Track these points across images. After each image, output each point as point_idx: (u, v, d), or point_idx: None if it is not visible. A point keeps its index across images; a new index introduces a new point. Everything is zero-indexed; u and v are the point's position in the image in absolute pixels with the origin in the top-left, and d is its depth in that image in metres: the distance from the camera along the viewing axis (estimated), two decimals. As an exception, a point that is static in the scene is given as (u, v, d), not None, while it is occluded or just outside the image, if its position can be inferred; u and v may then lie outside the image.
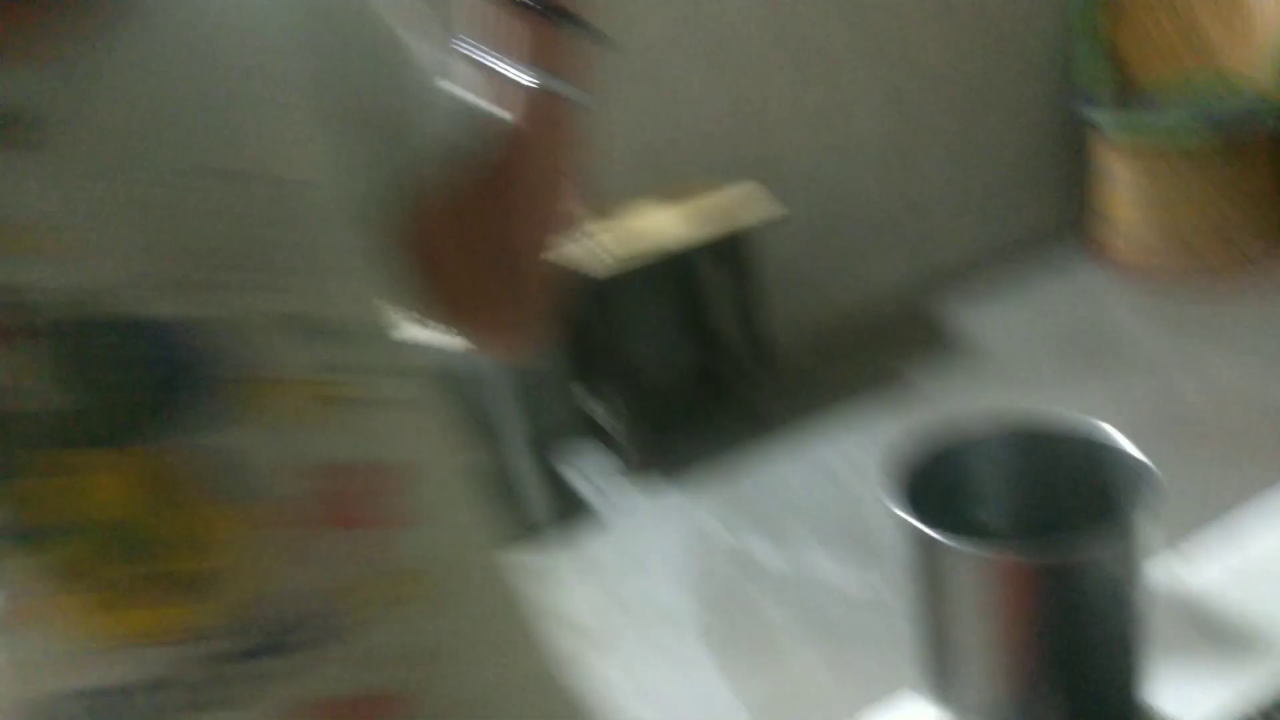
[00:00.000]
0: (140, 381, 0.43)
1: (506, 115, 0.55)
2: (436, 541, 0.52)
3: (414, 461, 0.51)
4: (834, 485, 2.11)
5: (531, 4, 0.53)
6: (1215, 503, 1.19)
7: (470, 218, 0.56)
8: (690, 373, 2.49)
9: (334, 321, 0.48)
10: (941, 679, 0.72)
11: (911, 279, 2.75)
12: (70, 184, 0.43)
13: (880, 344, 2.59)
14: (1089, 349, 2.43)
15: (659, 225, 2.14)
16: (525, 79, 0.54)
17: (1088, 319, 2.57)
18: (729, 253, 2.19)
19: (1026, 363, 2.38)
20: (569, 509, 2.17)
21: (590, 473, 2.28)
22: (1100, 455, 0.71)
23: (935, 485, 0.70)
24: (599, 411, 2.21)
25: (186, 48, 0.46)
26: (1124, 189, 2.64)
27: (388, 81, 0.53)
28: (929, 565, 0.68)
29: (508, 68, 0.55)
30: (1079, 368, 2.33)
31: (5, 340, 0.41)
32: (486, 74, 0.55)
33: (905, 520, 0.67)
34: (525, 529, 2.05)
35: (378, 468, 0.49)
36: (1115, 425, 0.71)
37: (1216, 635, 0.78)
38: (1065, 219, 2.84)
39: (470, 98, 0.56)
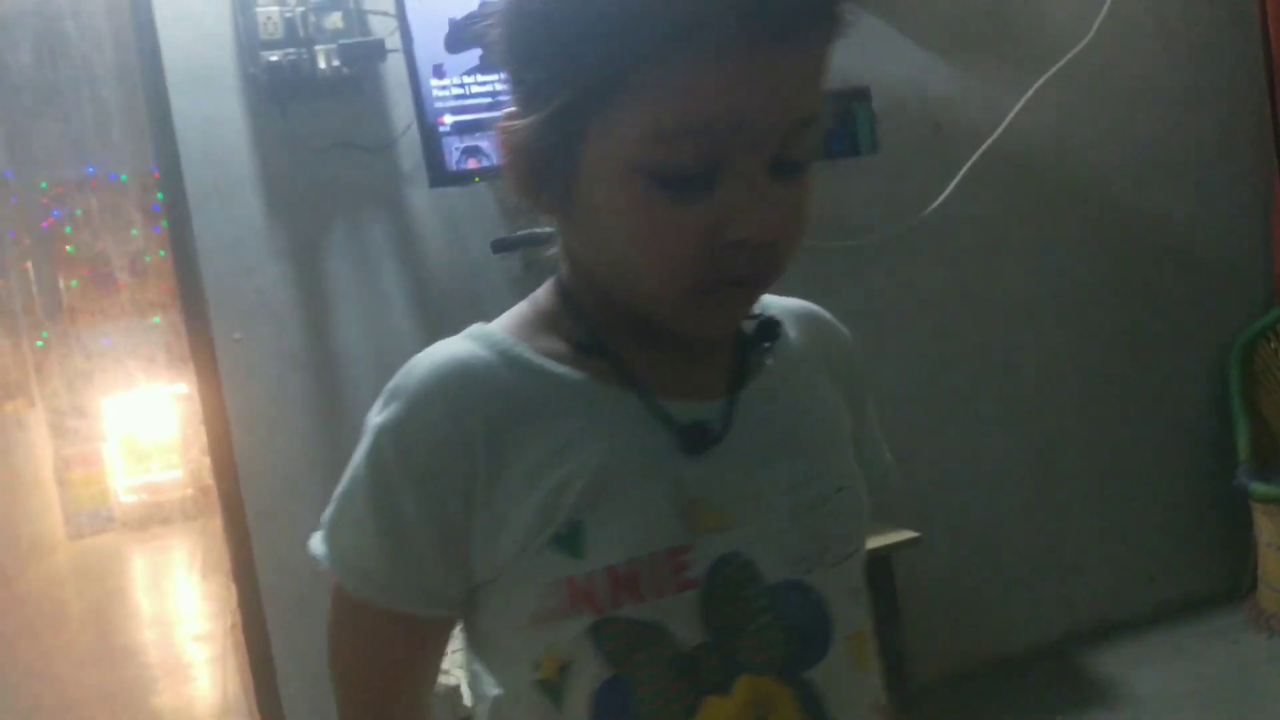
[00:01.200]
0: (792, 628, 0.61)
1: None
2: None
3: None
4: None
5: None
6: None
7: None
8: None
9: (861, 592, 0.67)
10: None
11: (1058, 631, 2.75)
12: (739, 479, 0.63)
13: (1022, 690, 2.56)
14: (1243, 716, 2.33)
15: None
16: None
17: (1244, 686, 2.47)
18: (867, 575, 2.17)
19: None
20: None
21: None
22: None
23: None
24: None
25: (793, 393, 0.69)
26: (1282, 558, 2.62)
27: (863, 431, 0.76)
28: None
29: None
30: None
31: (683, 586, 0.61)
32: None
33: None
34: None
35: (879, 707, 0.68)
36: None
37: None
38: (1223, 584, 2.82)
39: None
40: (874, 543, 2.22)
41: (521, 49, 0.60)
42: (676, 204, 0.57)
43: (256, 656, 2.23)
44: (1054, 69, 2.63)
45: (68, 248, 7.56)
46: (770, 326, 0.69)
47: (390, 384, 0.64)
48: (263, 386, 2.18)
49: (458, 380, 0.62)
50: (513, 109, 0.62)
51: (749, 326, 0.69)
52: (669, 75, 0.55)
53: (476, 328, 0.67)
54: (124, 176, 7.34)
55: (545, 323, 0.66)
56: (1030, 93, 2.62)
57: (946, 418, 2.66)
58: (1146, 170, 2.81)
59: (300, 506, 2.18)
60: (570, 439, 0.61)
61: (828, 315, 0.77)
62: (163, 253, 7.49)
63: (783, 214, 0.59)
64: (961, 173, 2.58)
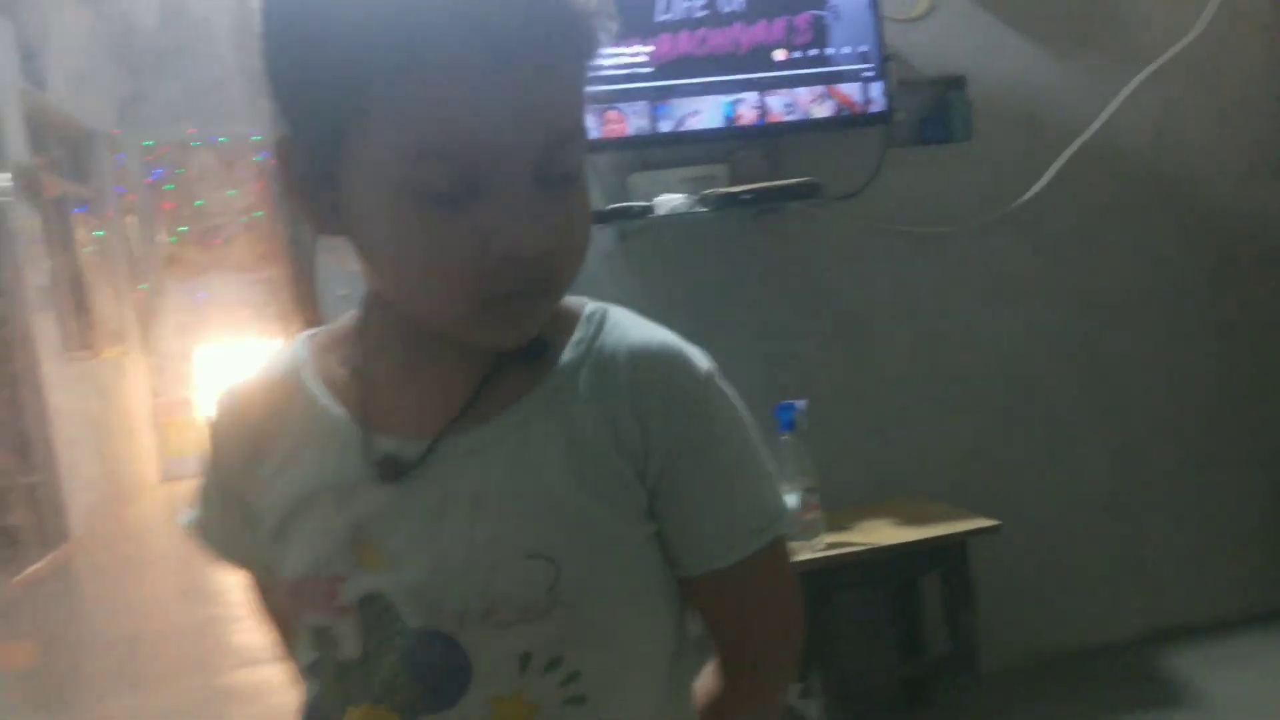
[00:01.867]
0: (421, 672, 0.63)
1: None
2: None
3: None
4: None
5: None
6: None
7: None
8: (895, 679, 2.55)
9: (564, 662, 0.63)
10: None
11: (1133, 630, 2.75)
12: (425, 523, 0.63)
13: (1093, 687, 2.56)
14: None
15: (877, 527, 2.30)
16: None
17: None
18: (945, 560, 2.28)
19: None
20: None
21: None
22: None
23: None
24: (802, 708, 2.26)
25: (520, 446, 0.64)
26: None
27: (686, 498, 0.66)
28: None
29: None
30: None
31: (336, 612, 0.65)
32: None
33: None
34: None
35: None
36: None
37: None
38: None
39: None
40: (951, 528, 2.26)
41: (274, 74, 0.61)
42: (441, 223, 0.58)
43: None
44: (1156, 64, 2.60)
45: (169, 205, 7.85)
46: (537, 349, 0.65)
47: (219, 392, 0.75)
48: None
49: (234, 407, 0.72)
50: (282, 133, 0.62)
51: (513, 357, 0.66)
52: (409, 96, 0.56)
53: (302, 338, 0.73)
54: (224, 139, 7.59)
55: (340, 340, 0.71)
56: (1130, 88, 2.60)
57: (1029, 409, 2.67)
58: (1247, 171, 2.77)
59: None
60: (293, 458, 0.67)
61: (669, 359, 0.66)
62: (258, 214, 7.74)
63: (549, 226, 0.59)
64: (1056, 166, 2.58)
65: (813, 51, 2.32)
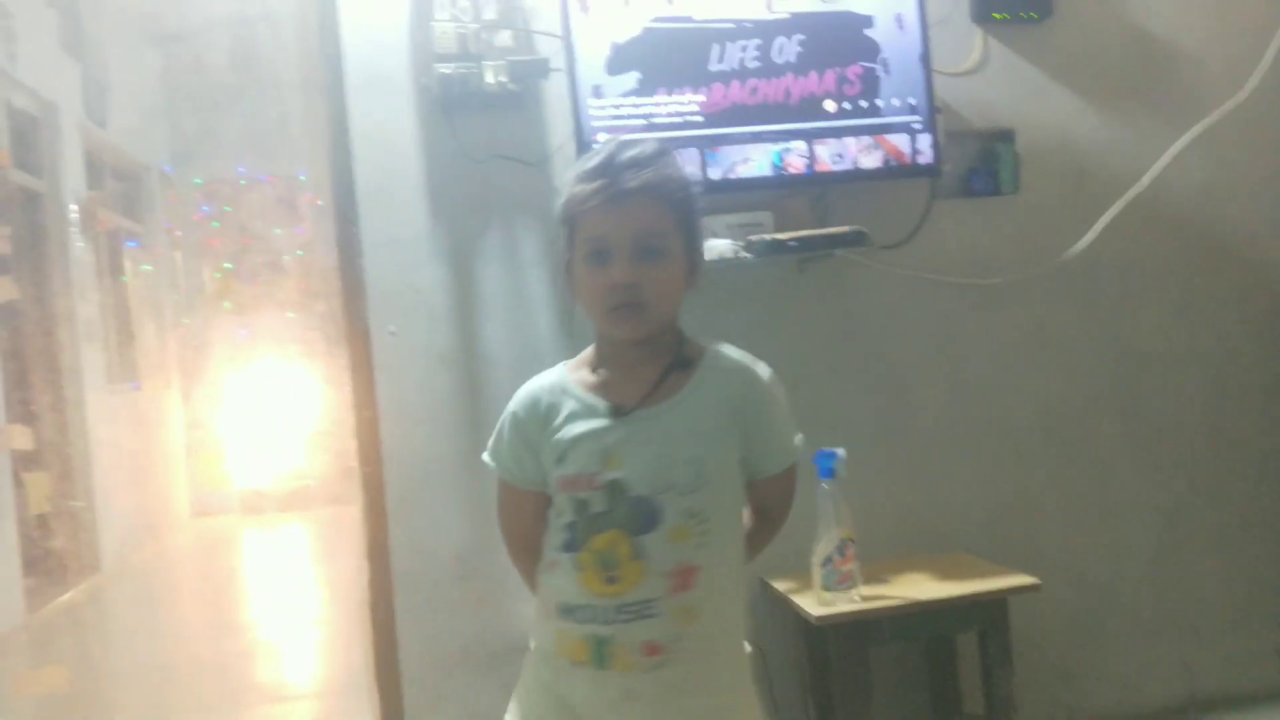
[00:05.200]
0: (636, 515, 1.26)
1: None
2: (707, 598, 1.29)
3: (702, 568, 1.28)
4: None
5: None
6: None
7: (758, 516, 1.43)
8: None
9: (704, 511, 1.27)
10: None
11: (1175, 695, 2.69)
12: (631, 443, 1.28)
13: None
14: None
15: (915, 581, 2.28)
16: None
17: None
18: (983, 617, 2.25)
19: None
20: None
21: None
22: None
23: None
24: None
25: (682, 410, 1.30)
26: None
27: (760, 438, 1.34)
28: None
29: None
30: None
31: (595, 488, 1.28)
32: None
33: None
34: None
35: (701, 570, 1.27)
36: None
37: None
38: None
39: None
40: (991, 585, 2.22)
41: (557, 224, 1.35)
42: (594, 272, 1.28)
43: (381, 635, 2.34)
44: (1206, 122, 2.60)
45: (215, 241, 8.00)
46: (684, 363, 1.32)
47: (516, 393, 1.39)
48: (411, 378, 2.31)
49: (532, 395, 1.37)
50: (565, 264, 1.35)
51: (672, 362, 1.32)
52: (585, 222, 1.28)
53: (563, 363, 1.40)
54: (267, 177, 7.75)
55: (586, 359, 1.38)
56: (1180, 144, 2.60)
57: (1071, 464, 2.64)
58: (1297, 230, 2.75)
59: (438, 494, 2.29)
60: (565, 422, 1.32)
61: (747, 369, 1.35)
62: (300, 253, 7.86)
63: (637, 273, 1.26)
64: (1104, 220, 2.57)
65: (862, 103, 2.35)
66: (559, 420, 1.31)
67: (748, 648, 1.38)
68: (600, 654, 1.24)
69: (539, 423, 1.33)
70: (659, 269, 1.27)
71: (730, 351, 1.36)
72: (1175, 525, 2.70)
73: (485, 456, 1.41)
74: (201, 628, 4.97)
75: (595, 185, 1.26)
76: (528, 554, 1.40)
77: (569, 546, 1.28)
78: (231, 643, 4.48)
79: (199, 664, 4.21)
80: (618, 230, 1.25)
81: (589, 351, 1.37)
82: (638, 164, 1.27)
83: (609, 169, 1.26)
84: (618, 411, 1.28)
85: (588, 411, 1.30)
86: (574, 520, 1.28)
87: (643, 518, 1.24)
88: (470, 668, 2.33)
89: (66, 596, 5.13)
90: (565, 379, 1.35)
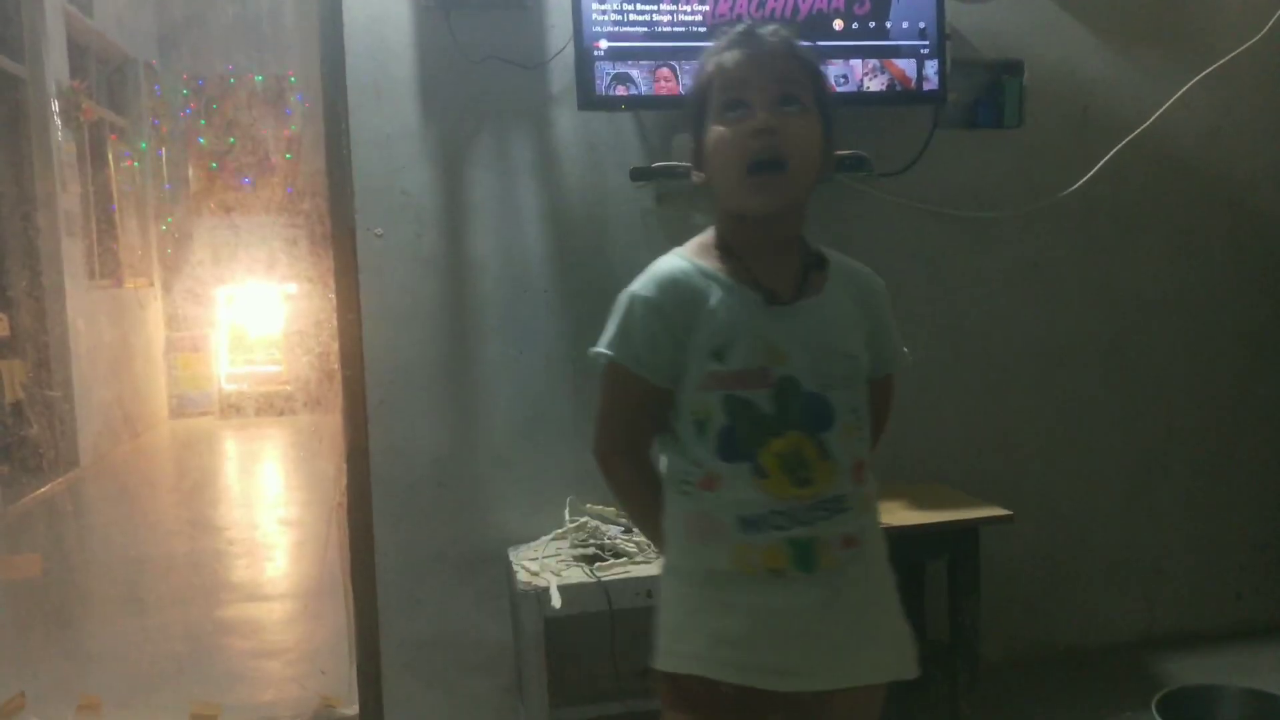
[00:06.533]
0: (812, 413, 1.18)
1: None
2: (873, 489, 1.25)
3: (866, 461, 1.24)
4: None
5: None
6: None
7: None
8: None
9: (859, 406, 1.22)
10: None
11: (1134, 631, 2.75)
12: (796, 336, 1.18)
13: (1089, 685, 2.56)
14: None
15: (890, 508, 2.27)
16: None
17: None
18: (954, 546, 2.27)
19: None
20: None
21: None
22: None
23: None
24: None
25: (826, 305, 1.22)
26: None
27: (881, 339, 1.28)
28: None
29: None
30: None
31: (767, 386, 1.17)
32: None
33: None
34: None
35: (866, 464, 1.23)
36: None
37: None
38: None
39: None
40: (964, 514, 2.24)
41: (685, 102, 1.26)
42: (732, 122, 1.18)
43: (358, 537, 2.35)
44: (1215, 65, 2.56)
45: (200, 139, 7.84)
46: (819, 261, 1.24)
47: (645, 272, 1.23)
48: (396, 282, 2.28)
49: (671, 281, 1.21)
50: (693, 147, 1.25)
51: (809, 262, 1.24)
52: (722, 81, 1.19)
53: (676, 250, 1.25)
54: (260, 78, 7.57)
55: (707, 248, 1.24)
56: (1187, 86, 2.56)
57: (1051, 401, 2.65)
58: (1299, 179, 2.73)
59: (419, 400, 2.28)
60: (718, 308, 1.19)
61: (867, 271, 1.31)
62: (289, 155, 7.72)
63: (779, 121, 1.16)
64: (1104, 159, 2.54)
65: (871, 23, 2.29)
66: (712, 305, 1.18)
67: None
68: (805, 556, 1.16)
69: (686, 307, 1.18)
70: (801, 121, 1.17)
71: (846, 259, 1.30)
72: (1149, 468, 2.73)
73: (602, 347, 1.22)
74: (178, 525, 4.98)
75: (736, 38, 1.20)
76: (639, 469, 1.26)
77: (731, 455, 1.16)
78: (208, 541, 4.50)
79: (174, 559, 4.23)
80: (759, 75, 1.17)
81: (705, 238, 1.25)
82: (776, 31, 1.22)
83: (748, 32, 1.21)
84: (776, 300, 1.18)
85: (741, 301, 1.18)
86: (731, 425, 1.16)
87: (819, 416, 1.17)
88: (445, 573, 2.34)
89: (44, 489, 5.13)
90: (702, 265, 1.21)
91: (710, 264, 1.21)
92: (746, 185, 1.17)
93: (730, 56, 1.19)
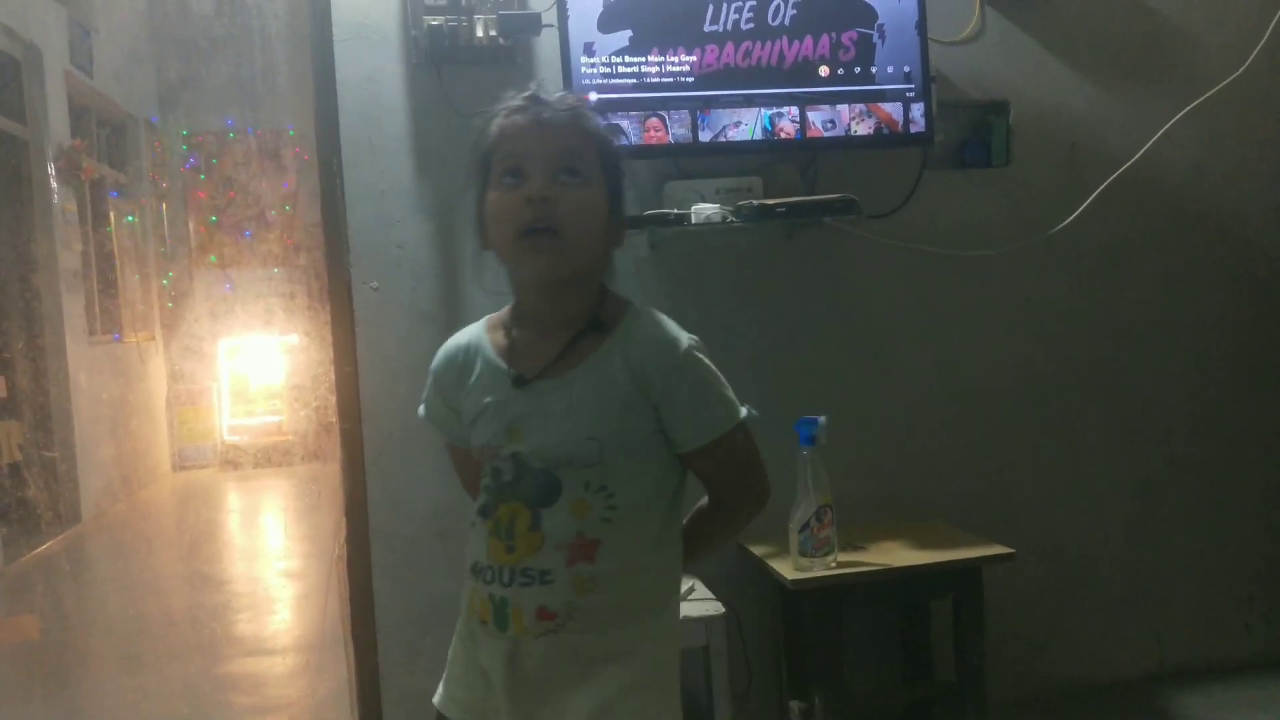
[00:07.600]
0: (536, 488, 1.21)
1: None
2: (610, 572, 1.22)
3: (604, 542, 1.21)
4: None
5: None
6: None
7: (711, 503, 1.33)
8: (900, 702, 2.52)
9: (608, 484, 1.20)
10: None
11: (1142, 666, 2.72)
12: (530, 417, 1.21)
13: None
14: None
15: (892, 548, 2.28)
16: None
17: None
18: (958, 585, 2.26)
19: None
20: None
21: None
22: None
23: None
24: None
25: (585, 381, 1.20)
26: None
27: (676, 411, 1.22)
28: None
29: None
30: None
31: (503, 460, 1.23)
32: None
33: None
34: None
35: (605, 544, 1.21)
36: None
37: None
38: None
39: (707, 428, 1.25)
40: (966, 553, 2.23)
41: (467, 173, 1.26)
42: (508, 190, 1.18)
43: (358, 590, 2.34)
44: (1201, 99, 2.59)
45: (201, 194, 7.91)
46: (597, 329, 1.22)
47: (440, 348, 1.32)
48: (392, 335, 2.29)
49: (449, 354, 1.31)
50: (475, 212, 1.25)
51: (585, 326, 1.23)
52: (502, 149, 1.20)
53: (484, 318, 1.31)
54: (255, 130, 7.65)
55: (502, 318, 1.29)
56: (1173, 121, 2.59)
57: (1049, 436, 2.65)
58: (1286, 210, 2.75)
59: (417, 452, 2.28)
60: (475, 385, 1.27)
61: (667, 340, 1.23)
62: (288, 208, 7.79)
63: (554, 191, 1.17)
64: (1093, 195, 2.56)
65: (857, 69, 2.32)
66: (470, 383, 1.26)
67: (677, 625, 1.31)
68: (500, 615, 1.22)
69: (454, 384, 1.29)
70: (578, 192, 1.18)
71: (651, 318, 1.24)
72: (1151, 500, 2.72)
73: (420, 410, 1.37)
74: (178, 580, 4.96)
75: (519, 106, 1.20)
76: None
77: (484, 511, 1.25)
78: (208, 596, 4.48)
79: (173, 616, 4.21)
80: (537, 145, 1.17)
81: (501, 312, 1.29)
82: (563, 100, 1.22)
83: (533, 99, 1.21)
84: (520, 381, 1.22)
85: (493, 378, 1.24)
86: (490, 484, 1.25)
87: (543, 491, 1.19)
88: (445, 624, 2.30)
89: (44, 548, 5.12)
90: (481, 338, 1.28)
91: (490, 336, 1.28)
92: (519, 248, 1.18)
93: (512, 123, 1.19)
